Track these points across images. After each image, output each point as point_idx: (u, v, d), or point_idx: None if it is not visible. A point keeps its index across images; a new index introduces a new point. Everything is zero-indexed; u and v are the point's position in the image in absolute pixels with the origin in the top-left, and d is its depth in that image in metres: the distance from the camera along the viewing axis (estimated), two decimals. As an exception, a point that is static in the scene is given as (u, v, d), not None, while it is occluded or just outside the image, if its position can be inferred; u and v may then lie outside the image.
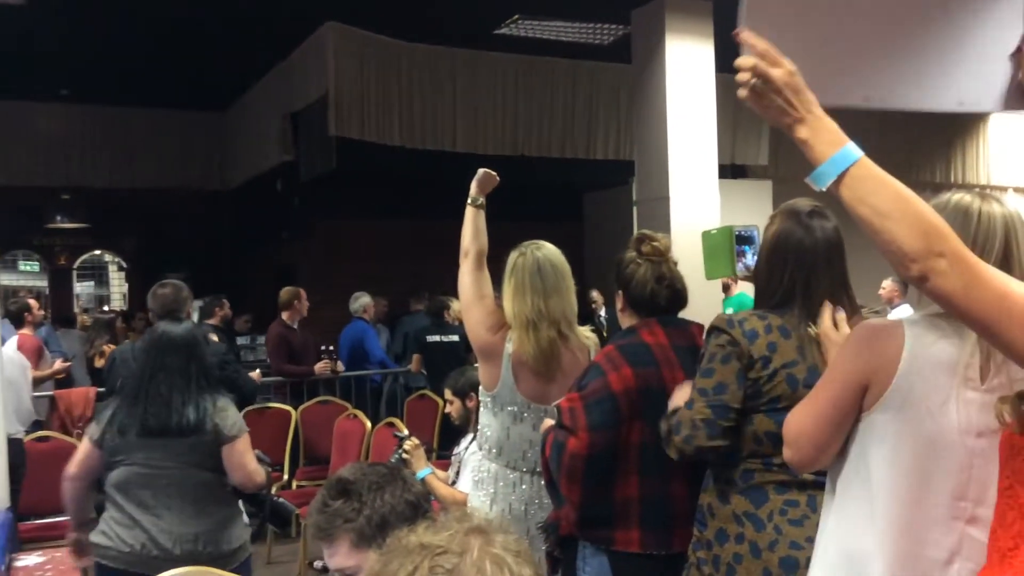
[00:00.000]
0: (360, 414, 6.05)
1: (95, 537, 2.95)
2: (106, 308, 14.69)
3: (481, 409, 2.85)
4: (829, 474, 1.72)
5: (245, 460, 2.97)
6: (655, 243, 2.48)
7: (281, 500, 3.26)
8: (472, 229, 2.98)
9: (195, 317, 4.80)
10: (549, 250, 2.80)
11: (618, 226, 10.29)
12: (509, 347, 2.72)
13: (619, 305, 2.51)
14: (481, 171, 3.01)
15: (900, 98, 1.75)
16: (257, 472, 3.00)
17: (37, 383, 6.23)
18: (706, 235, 2.44)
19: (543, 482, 2.61)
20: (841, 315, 1.92)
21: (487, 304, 2.82)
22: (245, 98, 11.88)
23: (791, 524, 1.97)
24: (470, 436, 4.12)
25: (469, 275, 2.87)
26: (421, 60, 8.94)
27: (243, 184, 12.68)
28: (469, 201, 3.04)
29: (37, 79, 10.78)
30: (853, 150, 1.41)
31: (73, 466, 3.01)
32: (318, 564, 5.35)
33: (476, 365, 4.35)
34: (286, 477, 6.11)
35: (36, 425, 5.82)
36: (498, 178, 3.01)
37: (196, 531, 2.88)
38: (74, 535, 3.11)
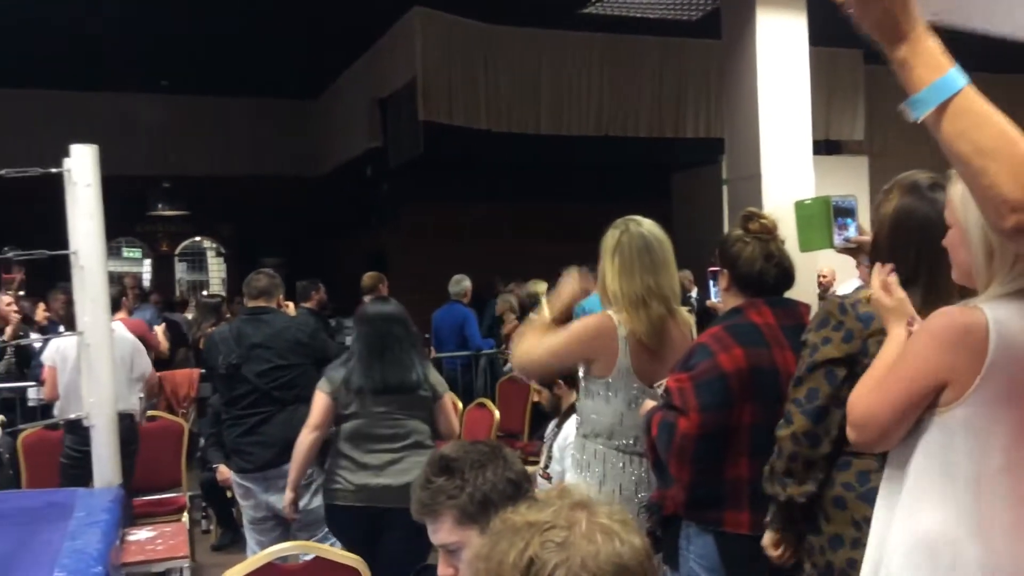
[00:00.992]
0: (451, 395, 6.11)
1: (327, 485, 3.44)
2: (204, 293, 15.17)
3: (585, 398, 2.74)
4: (894, 457, 1.64)
5: (450, 413, 3.58)
6: (763, 220, 2.42)
7: None
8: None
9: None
10: (650, 224, 2.73)
11: (707, 206, 10.14)
12: (622, 330, 2.62)
13: (723, 284, 2.46)
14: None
15: (970, 18, 1.60)
16: (456, 425, 3.66)
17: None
18: (799, 205, 2.34)
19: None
20: (893, 278, 1.77)
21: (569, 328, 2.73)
22: (335, 85, 12.09)
23: None
24: (557, 420, 4.14)
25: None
26: (507, 42, 8.94)
27: (334, 170, 12.92)
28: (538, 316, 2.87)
29: (138, 72, 11.19)
30: (958, 76, 1.26)
31: (314, 419, 3.44)
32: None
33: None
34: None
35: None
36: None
37: (411, 471, 3.26)
38: (292, 494, 3.57)
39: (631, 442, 2.63)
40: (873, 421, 1.61)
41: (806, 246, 2.33)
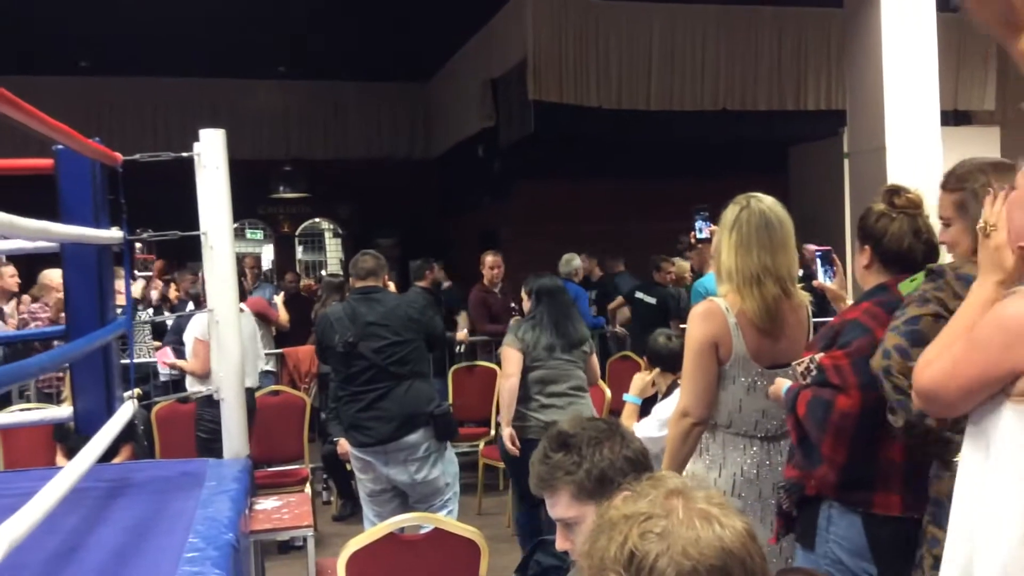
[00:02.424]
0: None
1: (525, 422, 4.35)
2: (323, 272, 15.60)
3: None
4: (970, 440, 1.54)
5: (595, 366, 4.73)
6: (910, 195, 2.32)
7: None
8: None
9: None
10: (771, 202, 2.65)
11: (827, 180, 9.82)
12: (731, 318, 2.55)
13: (863, 261, 2.36)
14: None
15: None
16: (599, 376, 5.04)
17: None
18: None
19: (779, 444, 2.56)
20: (1003, 217, 1.57)
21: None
22: (447, 67, 12.21)
23: None
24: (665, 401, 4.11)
25: None
26: (617, 18, 8.84)
27: (447, 151, 13.07)
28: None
29: (257, 59, 11.55)
30: None
31: (511, 368, 4.39)
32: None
33: (667, 332, 4.36)
34: (492, 432, 6.31)
35: (268, 378, 6.33)
36: None
37: (583, 410, 4.32)
38: (508, 429, 4.40)
39: (751, 427, 2.58)
40: (939, 396, 1.55)
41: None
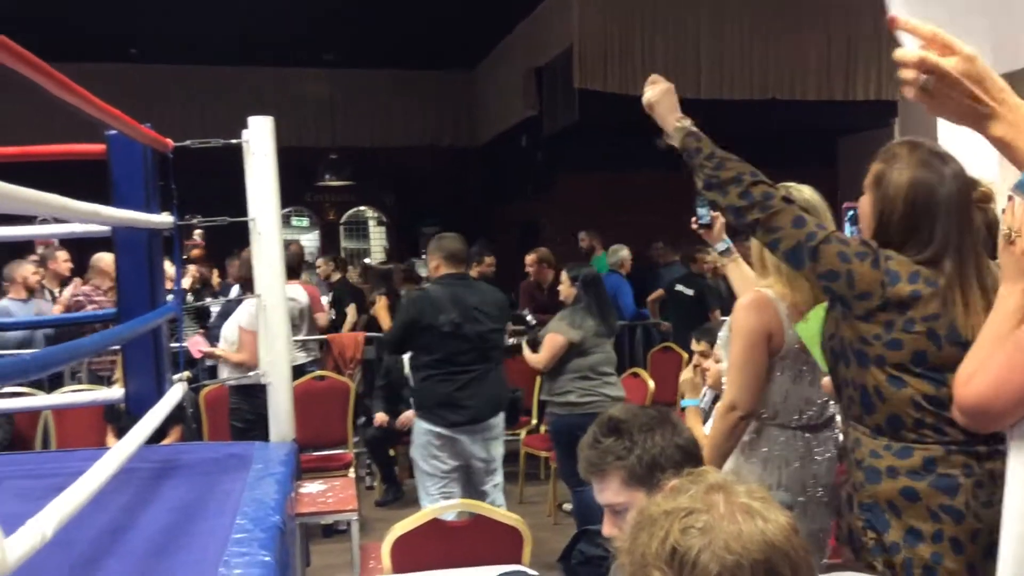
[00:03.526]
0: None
1: (592, 398, 4.65)
2: (366, 260, 15.72)
3: None
4: (1020, 443, 1.50)
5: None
6: (983, 188, 2.27)
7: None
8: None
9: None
10: (810, 192, 2.60)
11: (877, 172, 9.64)
12: (782, 307, 2.50)
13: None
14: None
15: None
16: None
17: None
18: (801, 329, 2.31)
19: (821, 434, 2.52)
20: None
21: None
22: (492, 56, 12.19)
23: (984, 507, 1.79)
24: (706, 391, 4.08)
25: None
26: (664, 5, 8.75)
27: (490, 140, 13.07)
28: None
29: (304, 47, 11.64)
30: None
31: (548, 356, 4.72)
32: (567, 507, 5.50)
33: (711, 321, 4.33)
34: (535, 422, 6.31)
35: (314, 364, 6.41)
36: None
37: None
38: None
39: (796, 418, 2.55)
40: (988, 411, 1.47)
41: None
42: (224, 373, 5.32)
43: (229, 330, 5.27)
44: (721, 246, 2.90)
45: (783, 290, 2.51)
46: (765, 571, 1.04)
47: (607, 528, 1.67)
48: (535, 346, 4.99)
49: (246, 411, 4.98)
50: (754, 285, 2.76)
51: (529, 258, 7.40)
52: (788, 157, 9.40)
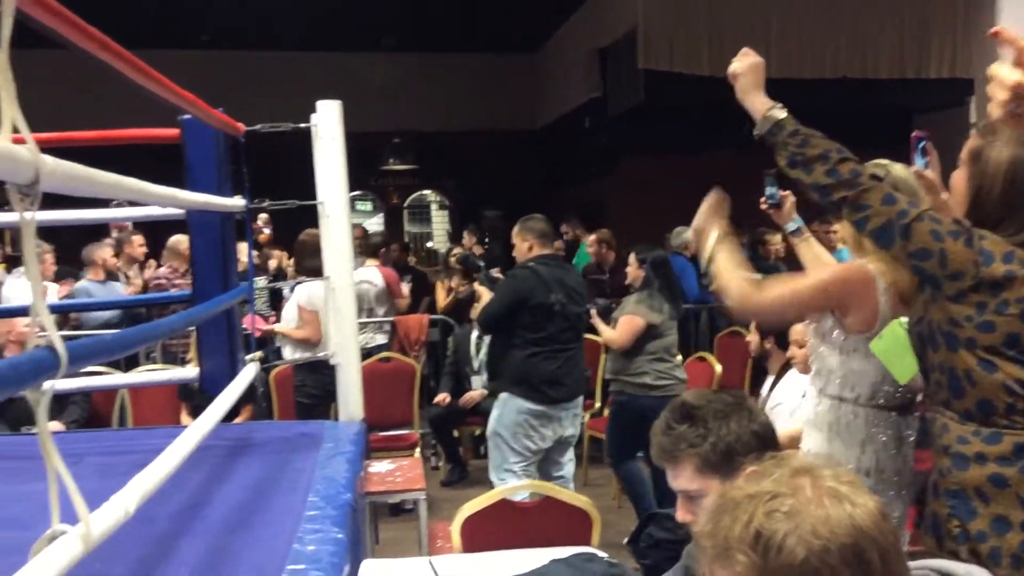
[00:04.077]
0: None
1: (667, 381, 4.72)
2: (429, 244, 15.80)
3: (838, 355, 2.54)
4: None
5: None
6: None
7: None
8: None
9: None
10: (902, 169, 2.52)
11: (952, 150, 9.35)
12: (881, 283, 2.42)
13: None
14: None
15: None
16: None
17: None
18: (874, 346, 2.24)
19: (910, 416, 2.46)
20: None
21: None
22: (555, 38, 12.13)
23: None
24: (771, 380, 4.02)
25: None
26: (732, -17, 8.60)
27: (553, 123, 13.00)
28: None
29: (369, 32, 11.71)
30: None
31: (627, 338, 4.74)
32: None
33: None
34: (598, 405, 6.30)
35: (380, 347, 6.49)
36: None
37: None
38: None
39: (891, 399, 2.48)
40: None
41: (906, 376, 2.22)
42: (287, 351, 5.41)
43: (289, 310, 5.38)
44: (791, 226, 2.84)
45: (883, 267, 2.43)
46: (854, 556, 1.02)
47: (680, 514, 1.65)
48: (606, 319, 5.07)
49: (310, 387, 5.09)
50: (826, 264, 2.71)
51: (590, 239, 7.37)
52: (861, 137, 9.17)
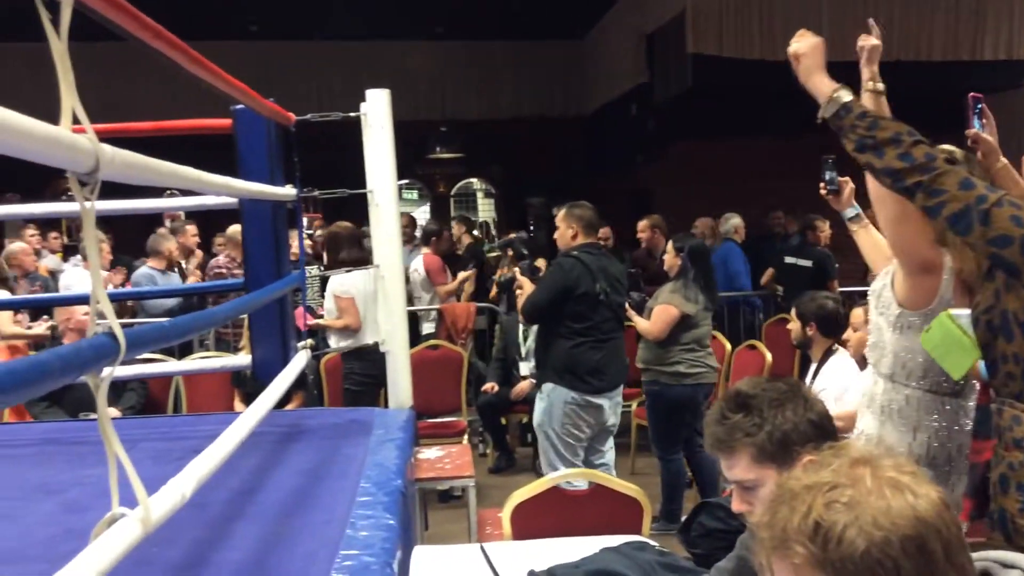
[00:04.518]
0: (719, 335, 6.02)
1: (700, 368, 4.73)
2: (475, 233, 15.83)
3: (893, 332, 2.49)
4: None
5: None
6: None
7: None
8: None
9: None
10: (961, 155, 2.45)
11: (1009, 134, 9.11)
12: (949, 260, 2.35)
13: None
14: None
15: None
16: None
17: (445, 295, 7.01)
18: (925, 340, 2.17)
19: (965, 401, 2.40)
20: None
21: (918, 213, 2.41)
22: (601, 24, 12.04)
23: None
24: (814, 367, 3.98)
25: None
26: (783, -35, 8.46)
27: (599, 109, 12.94)
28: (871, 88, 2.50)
29: (416, 20, 11.74)
30: None
31: (662, 328, 4.72)
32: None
33: (825, 295, 4.19)
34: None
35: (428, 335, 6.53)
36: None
37: None
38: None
39: (944, 380, 2.41)
40: None
41: (960, 370, 2.15)
42: (333, 339, 5.44)
43: (327, 300, 5.44)
44: (850, 212, 2.79)
45: (955, 253, 2.37)
46: (916, 548, 1.00)
47: (736, 504, 1.63)
48: (641, 311, 5.04)
49: (358, 374, 5.15)
50: (885, 251, 2.64)
51: (642, 224, 7.31)
52: (914, 121, 8.98)
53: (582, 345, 4.30)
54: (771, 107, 10.20)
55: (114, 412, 4.51)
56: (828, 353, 3.92)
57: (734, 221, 7.68)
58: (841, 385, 3.70)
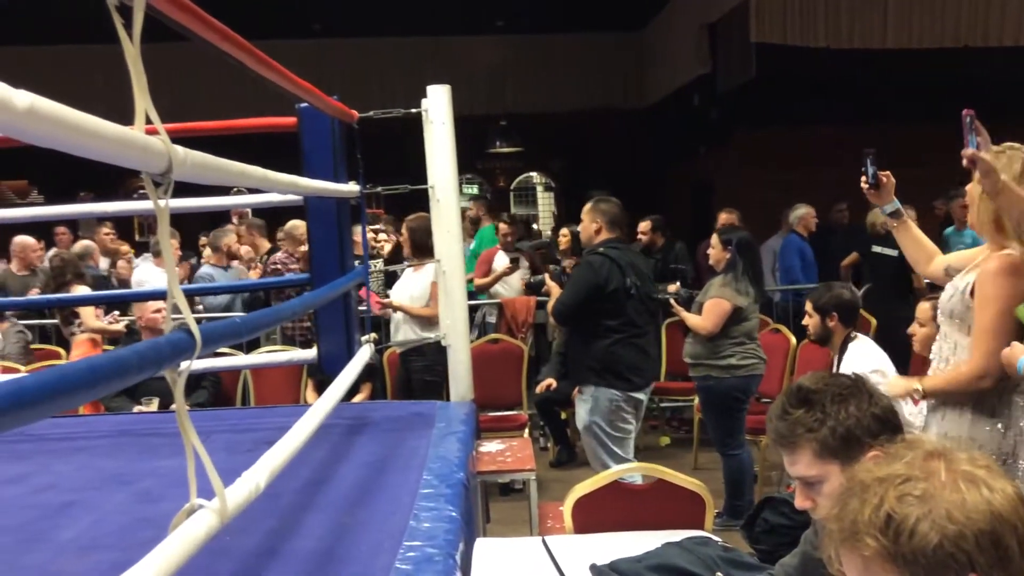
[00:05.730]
0: (784, 329, 5.93)
1: (751, 360, 4.68)
2: (534, 227, 15.84)
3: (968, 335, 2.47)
4: None
5: None
6: None
7: None
8: None
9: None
10: None
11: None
12: None
13: None
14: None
15: None
16: None
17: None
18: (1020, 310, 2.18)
19: None
20: None
21: None
22: (662, 14, 11.94)
23: None
24: (835, 358, 3.92)
25: None
26: (848, -50, 8.28)
27: (660, 101, 12.82)
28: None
29: (477, 14, 11.77)
30: None
31: (715, 322, 4.65)
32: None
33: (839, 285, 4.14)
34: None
35: (487, 328, 6.56)
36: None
37: None
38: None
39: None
40: None
41: None
42: (403, 332, 5.44)
43: (405, 290, 5.41)
44: (890, 207, 2.76)
45: None
46: (991, 542, 0.99)
47: (799, 500, 1.62)
48: (688, 306, 5.05)
49: (440, 366, 5.19)
50: (927, 248, 2.62)
51: (642, 225, 7.26)
52: (985, 109, 8.71)
53: (619, 342, 4.26)
54: (836, 93, 10.03)
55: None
56: (847, 341, 3.92)
57: (798, 212, 7.53)
58: (868, 368, 3.62)
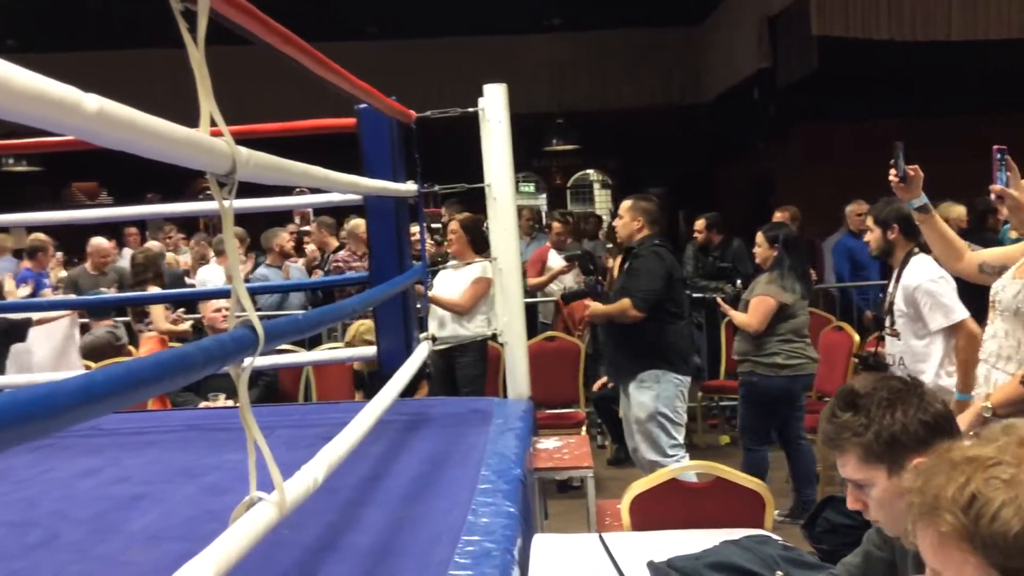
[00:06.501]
0: (847, 327, 5.83)
1: (799, 360, 4.63)
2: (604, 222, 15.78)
3: None
4: None
5: None
6: None
7: None
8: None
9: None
10: None
11: None
12: None
13: None
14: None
15: None
16: None
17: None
18: None
19: None
20: None
21: None
22: (720, 9, 11.82)
23: None
24: (896, 271, 3.84)
25: None
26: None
27: (718, 96, 12.69)
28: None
29: (532, 13, 11.79)
30: None
31: (760, 320, 4.64)
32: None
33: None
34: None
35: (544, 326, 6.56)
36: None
37: None
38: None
39: None
40: None
41: None
42: (448, 327, 5.41)
43: (459, 284, 5.38)
44: (917, 202, 2.72)
45: None
46: None
47: (850, 502, 1.61)
48: (736, 304, 5.04)
49: (481, 362, 5.27)
50: (955, 244, 2.59)
51: (698, 224, 7.19)
52: (1004, 98, 8.44)
53: (679, 327, 4.43)
54: (899, 87, 9.81)
55: (229, 402, 4.68)
56: (909, 255, 3.75)
57: (848, 208, 7.37)
58: (934, 272, 3.54)
